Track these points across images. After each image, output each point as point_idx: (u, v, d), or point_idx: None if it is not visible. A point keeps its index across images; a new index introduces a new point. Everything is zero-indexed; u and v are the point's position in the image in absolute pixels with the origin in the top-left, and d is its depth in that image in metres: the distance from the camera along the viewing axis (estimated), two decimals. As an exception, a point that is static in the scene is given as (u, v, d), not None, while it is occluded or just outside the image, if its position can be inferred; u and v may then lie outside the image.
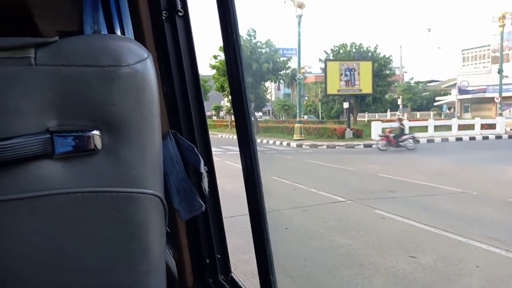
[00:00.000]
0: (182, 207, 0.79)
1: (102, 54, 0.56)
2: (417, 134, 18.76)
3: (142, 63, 0.59)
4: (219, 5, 0.85)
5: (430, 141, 18.21)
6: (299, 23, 19.74)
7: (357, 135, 18.46)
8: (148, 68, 0.59)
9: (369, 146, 16.39)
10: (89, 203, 0.57)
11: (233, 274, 0.95)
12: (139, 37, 0.93)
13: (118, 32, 1.64)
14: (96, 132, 0.57)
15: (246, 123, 0.80)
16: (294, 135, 18.82)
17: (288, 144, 17.40)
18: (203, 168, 0.77)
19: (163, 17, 0.92)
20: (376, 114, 31.78)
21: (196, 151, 0.81)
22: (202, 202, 0.77)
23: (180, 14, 0.93)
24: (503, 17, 24.07)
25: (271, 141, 18.91)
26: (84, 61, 0.56)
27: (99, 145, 0.57)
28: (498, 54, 26.54)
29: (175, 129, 0.91)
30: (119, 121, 0.57)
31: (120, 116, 0.57)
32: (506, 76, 27.90)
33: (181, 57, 0.94)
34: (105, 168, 0.58)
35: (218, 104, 36.43)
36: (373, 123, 19.47)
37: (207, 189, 0.78)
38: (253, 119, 26.85)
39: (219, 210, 0.95)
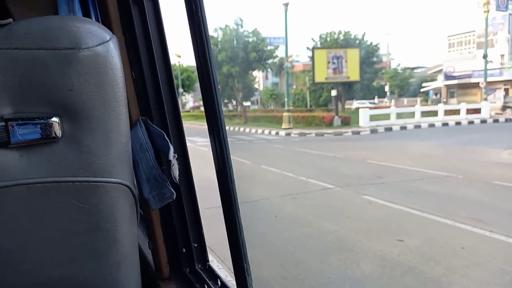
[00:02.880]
0: (152, 196, 0.77)
1: (59, 36, 0.53)
2: (404, 120, 19.01)
3: (104, 45, 0.55)
4: None
5: (417, 126, 18.43)
6: (285, 12, 19.59)
7: (345, 122, 18.57)
8: (111, 51, 0.56)
9: (357, 133, 16.52)
10: (50, 194, 0.54)
11: (210, 263, 0.94)
12: (105, 20, 0.89)
13: (93, 18, 1.59)
14: (55, 119, 0.54)
15: (215, 111, 0.77)
16: (283, 124, 18.82)
17: (277, 133, 17.40)
18: (171, 156, 0.75)
19: (130, 0, 0.88)
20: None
21: (166, 138, 0.79)
22: (172, 190, 0.75)
23: None
24: (488, 2, 24.27)
25: (259, 131, 18.89)
26: (40, 44, 0.52)
27: (59, 133, 0.54)
28: (483, 39, 26.79)
29: (146, 116, 0.88)
30: (79, 107, 0.54)
31: (80, 102, 0.54)
32: (491, 61, 28.28)
33: (151, 41, 0.90)
34: (66, 157, 0.55)
35: (206, 94, 36.02)
36: (360, 110, 19.60)
37: (177, 177, 0.76)
38: (241, 108, 26.81)
39: (194, 198, 0.93)
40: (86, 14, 1.65)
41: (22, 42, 0.52)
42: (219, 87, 0.77)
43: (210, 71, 0.76)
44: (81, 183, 0.55)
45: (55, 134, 0.54)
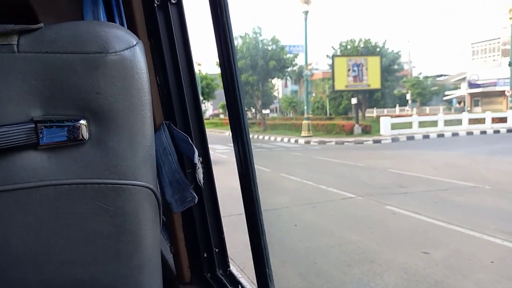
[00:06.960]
0: (175, 199, 0.76)
1: (88, 40, 0.54)
2: (427, 129, 18.60)
3: (131, 50, 0.56)
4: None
5: (440, 135, 17.99)
6: (305, 20, 19.63)
7: (366, 131, 18.32)
8: (137, 56, 0.57)
9: (379, 141, 16.25)
10: (76, 195, 0.55)
11: (231, 269, 0.92)
12: (131, 26, 0.90)
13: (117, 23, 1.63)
14: (82, 121, 0.55)
15: (239, 116, 0.77)
16: (302, 132, 18.74)
17: (296, 141, 17.32)
18: (197, 159, 0.75)
19: (156, 5, 0.90)
20: (385, 110, 31.51)
21: (190, 141, 0.79)
22: (194, 194, 0.75)
23: (173, 1, 0.90)
24: (514, 8, 23.63)
25: (278, 139, 18.86)
26: (69, 48, 0.53)
27: (86, 135, 0.55)
28: (508, 47, 26.08)
29: (170, 120, 0.89)
30: (106, 110, 0.55)
31: (107, 105, 0.55)
32: (517, 68, 27.39)
33: (175, 46, 0.91)
34: (93, 159, 0.56)
35: (225, 103, 36.35)
36: (381, 119, 19.30)
37: (201, 180, 0.75)
38: (260, 116, 26.89)
39: (216, 203, 0.92)
40: (111, 20, 1.69)
41: (52, 46, 0.53)
42: (243, 94, 0.77)
43: (235, 75, 0.75)
44: (107, 185, 0.56)
45: (82, 136, 0.55)
